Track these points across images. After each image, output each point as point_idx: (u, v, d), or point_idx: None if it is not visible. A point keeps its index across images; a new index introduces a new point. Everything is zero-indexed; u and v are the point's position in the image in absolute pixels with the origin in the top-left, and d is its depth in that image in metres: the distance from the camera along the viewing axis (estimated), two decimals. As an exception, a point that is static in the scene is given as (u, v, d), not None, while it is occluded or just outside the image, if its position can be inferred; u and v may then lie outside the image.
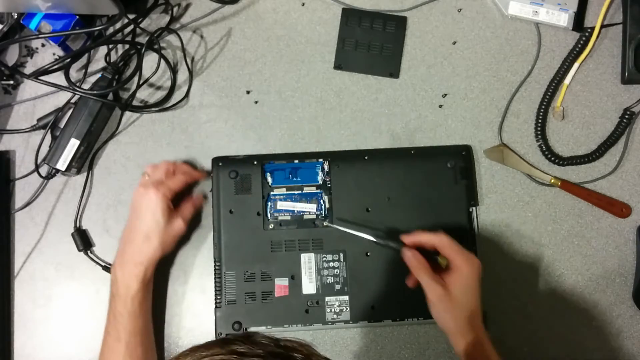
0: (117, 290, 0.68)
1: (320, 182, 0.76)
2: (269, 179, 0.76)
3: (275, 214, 0.75)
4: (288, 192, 0.76)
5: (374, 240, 0.71)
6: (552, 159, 0.77)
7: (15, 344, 0.75)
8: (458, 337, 0.65)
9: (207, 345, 0.51)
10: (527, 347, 0.75)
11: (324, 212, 0.75)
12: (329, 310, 0.73)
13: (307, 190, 0.76)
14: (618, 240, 0.77)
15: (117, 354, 0.67)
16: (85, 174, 0.78)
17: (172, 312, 0.75)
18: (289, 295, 0.73)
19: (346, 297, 0.73)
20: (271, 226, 0.75)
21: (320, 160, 0.77)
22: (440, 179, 0.76)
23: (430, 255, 0.67)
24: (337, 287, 0.74)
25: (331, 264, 0.74)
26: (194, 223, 0.76)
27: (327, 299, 0.73)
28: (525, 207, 0.77)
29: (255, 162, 0.76)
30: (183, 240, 0.76)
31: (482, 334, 0.65)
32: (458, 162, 0.76)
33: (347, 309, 0.73)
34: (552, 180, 0.77)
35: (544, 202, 0.77)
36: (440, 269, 0.67)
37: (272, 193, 0.76)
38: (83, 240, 0.76)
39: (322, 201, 0.76)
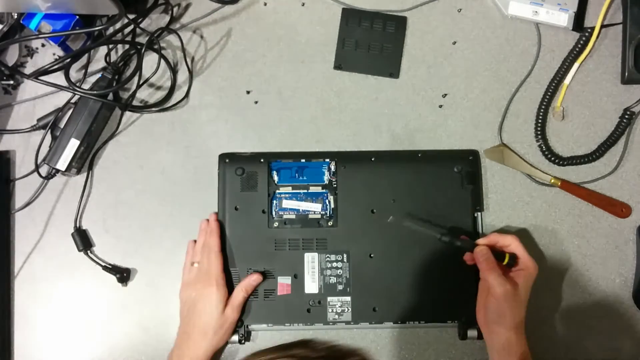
0: None
1: (326, 182, 0.76)
2: (275, 177, 0.76)
3: (280, 213, 0.75)
4: (294, 191, 0.76)
5: (439, 237, 0.70)
6: (552, 159, 0.77)
7: (15, 344, 0.75)
8: (511, 332, 0.67)
9: (269, 350, 0.52)
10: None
11: (329, 212, 0.75)
12: (330, 310, 0.73)
13: (312, 189, 0.76)
14: (618, 240, 0.77)
15: None
16: (85, 174, 0.78)
17: (172, 312, 0.74)
18: (291, 294, 0.73)
19: (348, 298, 0.73)
20: (276, 224, 0.75)
21: (327, 160, 0.77)
22: (446, 183, 0.75)
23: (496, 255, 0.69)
24: (340, 287, 0.74)
25: (334, 264, 0.74)
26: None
27: (329, 299, 0.73)
28: (525, 207, 0.77)
29: (262, 160, 0.76)
30: (184, 239, 0.76)
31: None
32: (465, 166, 0.76)
33: (348, 309, 0.73)
34: (552, 180, 0.77)
35: (544, 202, 0.78)
36: (502, 268, 0.69)
37: (277, 191, 0.76)
38: (83, 240, 0.76)
39: (327, 201, 0.76)
